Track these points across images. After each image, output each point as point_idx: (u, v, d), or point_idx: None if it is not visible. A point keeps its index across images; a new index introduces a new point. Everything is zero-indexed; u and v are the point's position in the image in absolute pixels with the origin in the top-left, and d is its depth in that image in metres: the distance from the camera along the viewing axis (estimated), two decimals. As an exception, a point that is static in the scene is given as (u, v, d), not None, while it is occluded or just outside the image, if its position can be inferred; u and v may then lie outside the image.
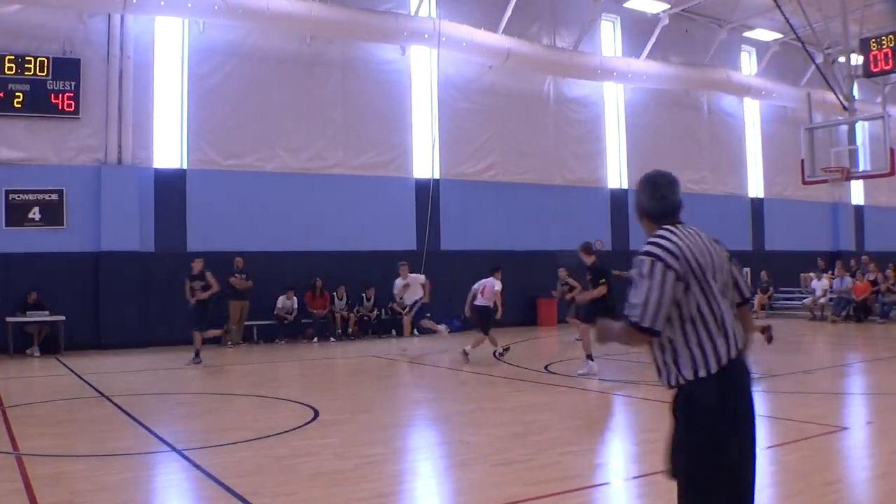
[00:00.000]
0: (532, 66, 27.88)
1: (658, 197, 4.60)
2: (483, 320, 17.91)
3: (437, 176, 26.08)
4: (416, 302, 20.45)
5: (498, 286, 17.89)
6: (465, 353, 17.41)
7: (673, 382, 4.37)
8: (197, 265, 18.14)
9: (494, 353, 17.78)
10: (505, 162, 27.91)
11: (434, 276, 21.42)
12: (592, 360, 14.97)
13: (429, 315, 21.35)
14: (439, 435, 10.44)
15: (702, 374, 4.28)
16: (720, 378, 4.33)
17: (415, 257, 22.04)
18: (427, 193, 24.70)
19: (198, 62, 23.18)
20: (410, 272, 20.61)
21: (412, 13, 25.62)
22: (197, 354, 17.55)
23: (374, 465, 8.28)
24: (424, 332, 22.20)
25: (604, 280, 15.18)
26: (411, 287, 20.40)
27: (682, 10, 30.80)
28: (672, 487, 7.10)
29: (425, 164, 25.89)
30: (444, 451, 9.42)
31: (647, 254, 4.29)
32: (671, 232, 4.47)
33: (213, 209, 22.84)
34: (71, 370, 16.83)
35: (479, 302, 17.91)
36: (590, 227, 28.94)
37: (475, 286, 18.21)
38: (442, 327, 20.62)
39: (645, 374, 14.92)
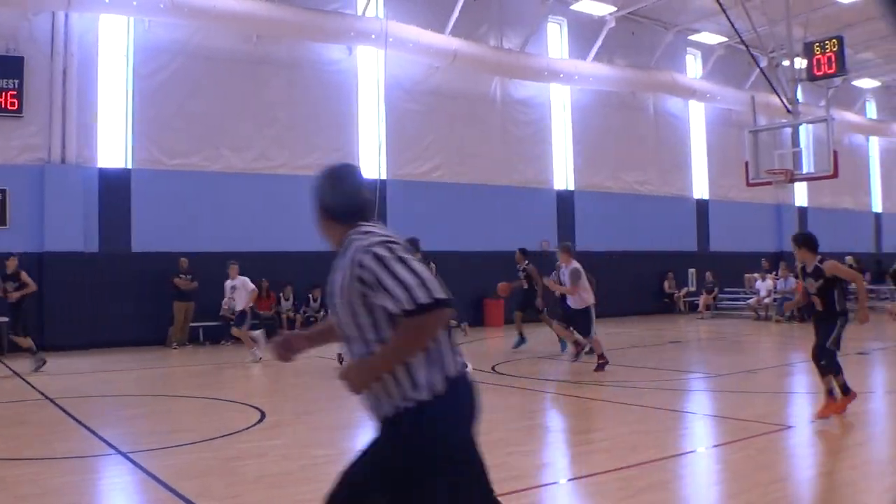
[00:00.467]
0: (479, 67, 28.00)
1: (344, 191, 3.95)
2: None
3: (383, 177, 26.16)
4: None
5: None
6: None
7: (400, 405, 3.66)
8: (11, 264, 17.29)
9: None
10: (451, 163, 28.01)
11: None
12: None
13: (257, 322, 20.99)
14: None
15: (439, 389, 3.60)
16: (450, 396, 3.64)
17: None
18: (374, 194, 24.68)
19: (143, 61, 22.99)
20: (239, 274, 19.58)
21: (359, 13, 25.60)
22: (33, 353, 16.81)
23: (321, 466, 8.27)
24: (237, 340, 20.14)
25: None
26: (238, 290, 19.14)
27: (629, 13, 31.07)
28: (622, 486, 7.22)
29: (372, 164, 25.93)
30: None
31: (377, 244, 3.61)
32: (379, 227, 3.82)
33: (159, 209, 22.67)
34: (14, 372, 16.58)
35: None
36: (537, 228, 29.23)
37: None
38: (258, 334, 19.04)
39: (592, 375, 15.10)
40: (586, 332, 16.16)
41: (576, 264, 16.33)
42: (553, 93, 30.96)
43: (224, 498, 7.13)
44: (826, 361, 10.17)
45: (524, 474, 8.02)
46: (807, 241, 10.55)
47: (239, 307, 18.95)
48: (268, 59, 24.66)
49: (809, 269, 10.41)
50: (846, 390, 10.21)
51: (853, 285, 10.89)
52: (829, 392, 10.22)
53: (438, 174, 27.69)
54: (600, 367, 15.29)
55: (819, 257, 10.37)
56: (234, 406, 12.07)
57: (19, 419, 11.58)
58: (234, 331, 19.12)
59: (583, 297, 16.00)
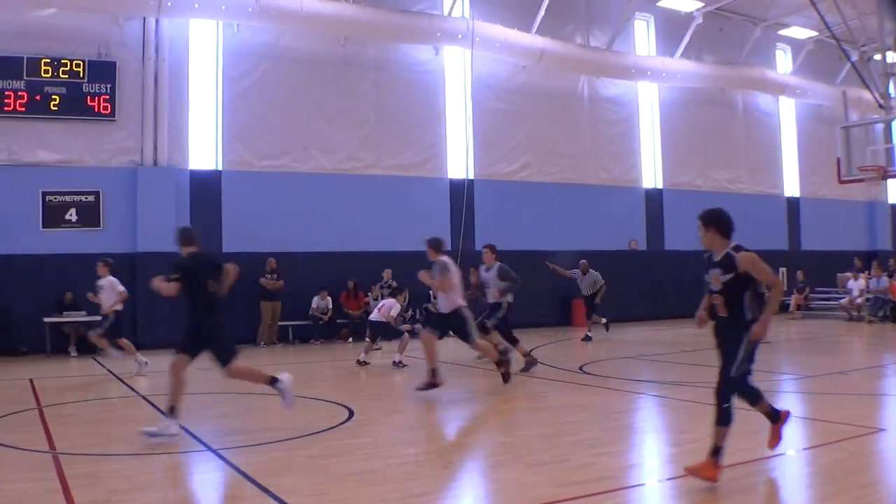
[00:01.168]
0: (566, 66, 27.80)
1: None
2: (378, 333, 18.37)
3: (471, 176, 26.11)
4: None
5: (395, 309, 18.26)
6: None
7: None
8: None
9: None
10: (539, 161, 27.84)
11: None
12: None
13: None
14: (473, 435, 10.41)
15: None
16: None
17: (450, 257, 21.91)
18: (461, 193, 24.73)
19: (232, 64, 23.31)
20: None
21: (445, 13, 25.61)
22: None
23: (408, 465, 8.29)
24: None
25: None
26: (105, 291, 16.82)
27: (716, 9, 30.62)
28: (711, 488, 7.06)
29: (459, 164, 25.93)
30: (479, 452, 9.37)
31: None
32: None
33: (248, 210, 22.95)
34: (108, 370, 16.92)
35: (375, 317, 18.15)
36: (625, 227, 28.98)
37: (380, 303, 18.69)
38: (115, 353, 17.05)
39: (679, 375, 14.89)
40: (466, 337, 13.68)
41: (499, 265, 16.11)
42: (641, 91, 30.61)
43: (311, 495, 7.13)
44: (739, 395, 7.65)
45: (613, 475, 7.86)
46: (716, 220, 8.33)
47: (104, 308, 16.77)
48: (355, 60, 24.79)
49: (717, 258, 8.08)
50: (774, 417, 8.04)
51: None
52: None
53: (526, 173, 27.53)
54: (429, 386, 12.91)
55: (733, 244, 8.13)
56: (322, 405, 12.04)
57: (112, 416, 11.79)
58: (92, 335, 17.05)
59: (451, 297, 13.55)
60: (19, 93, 21.18)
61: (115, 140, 21.85)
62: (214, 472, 8.27)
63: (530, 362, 15.62)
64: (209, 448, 9.12)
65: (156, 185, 22.00)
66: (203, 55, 23.35)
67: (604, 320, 23.05)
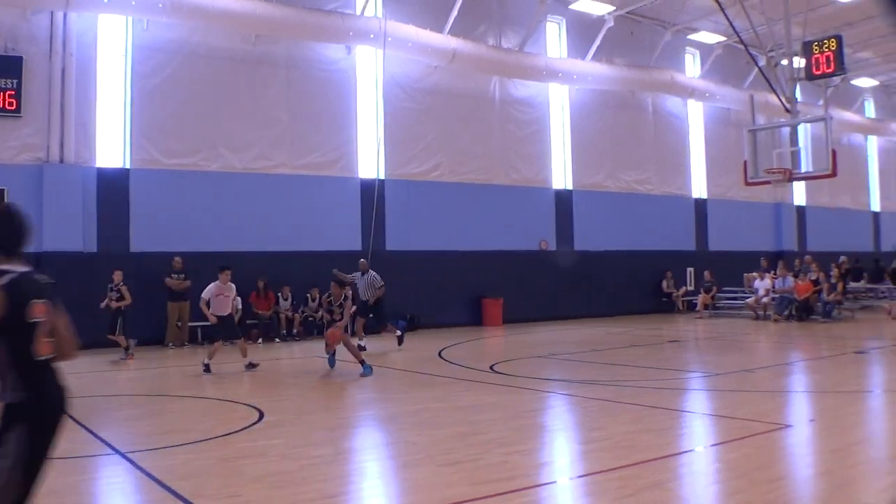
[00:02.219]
0: (478, 67, 28.02)
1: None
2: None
3: (382, 176, 26.17)
4: None
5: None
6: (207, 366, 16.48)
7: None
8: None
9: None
10: (450, 162, 28.01)
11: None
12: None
13: None
14: (385, 435, 10.47)
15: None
16: None
17: (359, 257, 21.97)
18: (372, 193, 24.73)
19: (141, 60, 22.99)
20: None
21: (358, 13, 25.56)
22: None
23: (321, 466, 8.31)
24: None
25: None
26: None
27: (627, 13, 31.14)
28: (621, 485, 7.22)
29: (370, 164, 25.99)
30: (391, 452, 9.46)
31: None
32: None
33: (157, 209, 22.69)
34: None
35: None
36: (535, 227, 29.23)
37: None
38: None
39: (590, 374, 15.11)
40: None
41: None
42: (552, 92, 30.96)
43: (222, 497, 7.12)
44: None
45: (524, 473, 8.03)
46: None
47: None
48: (267, 58, 24.68)
49: None
50: None
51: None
52: None
53: (437, 173, 27.67)
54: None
55: None
56: (233, 406, 12.05)
57: None
58: None
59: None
60: (-85, 87, 20.71)
61: (20, 136, 21.39)
62: (123, 476, 8.21)
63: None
64: (117, 451, 9.06)
65: (62, 182, 21.59)
66: (112, 51, 22.99)
67: (398, 332, 20.82)
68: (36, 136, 21.57)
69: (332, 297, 16.61)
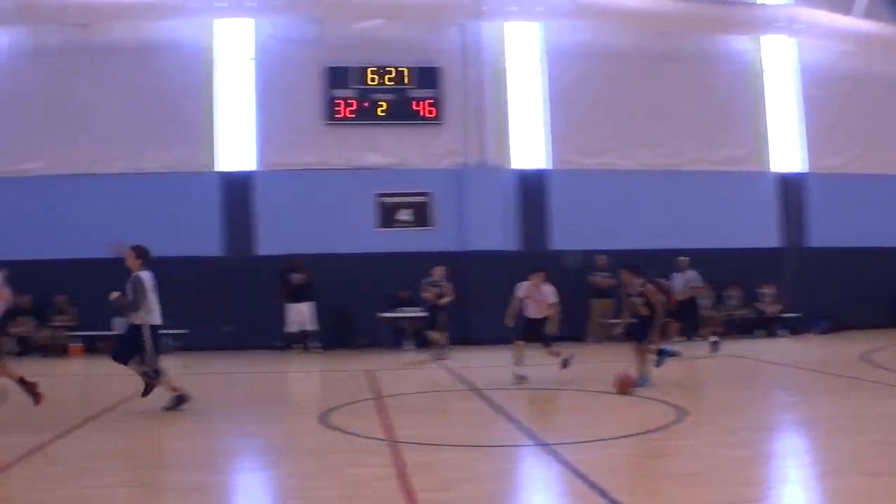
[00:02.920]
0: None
1: None
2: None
3: (805, 169, 24.81)
4: None
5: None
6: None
7: None
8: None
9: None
10: (870, 151, 25.63)
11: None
12: None
13: None
14: (807, 440, 9.77)
15: None
16: None
17: (778, 255, 20.87)
18: (788, 188, 23.62)
19: (552, 63, 23.33)
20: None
21: (759, 1, 24.51)
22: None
23: (740, 468, 7.82)
24: None
25: None
26: None
27: None
28: None
29: (786, 156, 24.73)
30: (813, 458, 8.76)
31: None
32: None
33: (574, 208, 22.76)
34: (441, 365, 17.45)
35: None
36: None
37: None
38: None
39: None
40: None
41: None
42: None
43: (640, 494, 7.06)
44: None
45: None
46: None
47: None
48: (672, 54, 24.09)
49: None
50: None
51: None
52: None
53: (858, 164, 25.69)
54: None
55: None
56: (652, 403, 11.77)
57: (447, 407, 12.48)
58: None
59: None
60: (349, 101, 22.25)
61: (441, 143, 22.51)
62: (544, 467, 8.36)
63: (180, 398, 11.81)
64: (540, 442, 9.26)
65: (483, 185, 22.41)
66: (522, 56, 23.54)
67: (711, 338, 19.08)
68: (456, 141, 22.53)
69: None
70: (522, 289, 15.00)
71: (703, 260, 21.43)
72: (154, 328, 11.63)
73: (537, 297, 14.86)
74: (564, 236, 22.54)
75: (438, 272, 19.52)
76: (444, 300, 19.16)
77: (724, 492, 6.94)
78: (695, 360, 17.54)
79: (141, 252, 11.90)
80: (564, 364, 14.68)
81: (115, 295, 11.68)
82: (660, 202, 23.36)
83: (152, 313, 11.66)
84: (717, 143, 24.12)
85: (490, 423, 10.84)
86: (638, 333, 13.74)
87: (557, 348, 14.82)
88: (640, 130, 23.63)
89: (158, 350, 11.69)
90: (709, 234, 23.02)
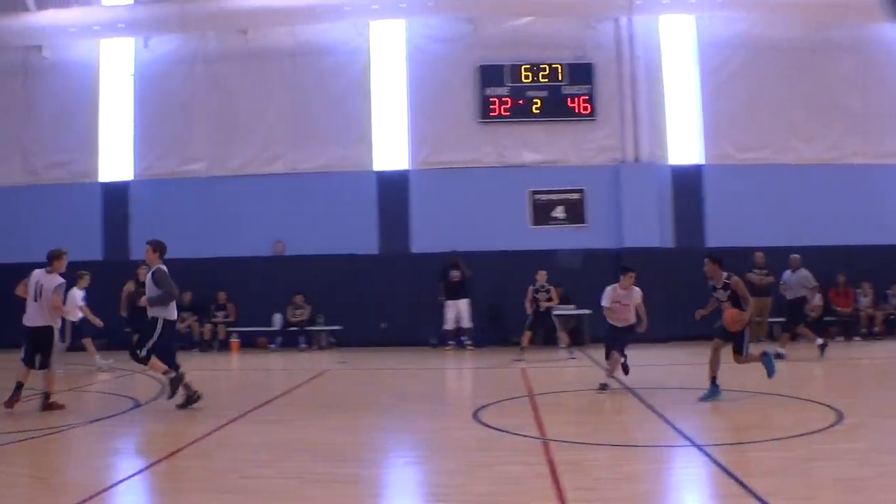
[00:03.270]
0: None
1: None
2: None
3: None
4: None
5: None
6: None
7: None
8: (541, 276, 19.02)
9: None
10: None
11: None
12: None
13: None
14: None
15: None
16: None
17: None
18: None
19: (707, 56, 22.99)
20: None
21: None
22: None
23: None
24: None
25: None
26: None
27: None
28: None
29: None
30: None
31: None
32: None
33: (730, 203, 22.44)
34: (595, 362, 17.14)
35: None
36: None
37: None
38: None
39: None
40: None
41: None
42: None
43: (796, 499, 6.82)
44: None
45: None
46: None
47: None
48: (831, 44, 23.31)
49: None
50: None
51: None
52: None
53: None
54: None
55: None
56: (810, 405, 11.39)
57: (598, 406, 12.42)
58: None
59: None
60: (503, 98, 22.41)
61: (595, 139, 22.51)
62: (697, 468, 8.21)
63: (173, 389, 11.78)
64: (693, 443, 9.13)
65: (638, 181, 22.27)
66: (676, 50, 23.33)
67: (819, 340, 17.82)
68: (610, 137, 22.52)
69: None
70: (609, 294, 13.65)
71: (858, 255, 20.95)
72: (168, 322, 11.92)
73: (625, 300, 13.54)
74: (719, 231, 22.15)
75: (542, 276, 19.07)
76: (551, 304, 19.05)
77: (885, 499, 6.73)
78: (849, 360, 17.08)
79: (158, 246, 12.18)
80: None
81: (144, 301, 11.97)
82: (818, 197, 22.66)
83: (170, 308, 11.94)
84: (879, 135, 23.22)
85: (641, 422, 10.80)
86: (734, 340, 12.47)
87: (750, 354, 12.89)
88: (798, 124, 22.98)
89: (170, 344, 12.20)
90: (870, 229, 22.27)
